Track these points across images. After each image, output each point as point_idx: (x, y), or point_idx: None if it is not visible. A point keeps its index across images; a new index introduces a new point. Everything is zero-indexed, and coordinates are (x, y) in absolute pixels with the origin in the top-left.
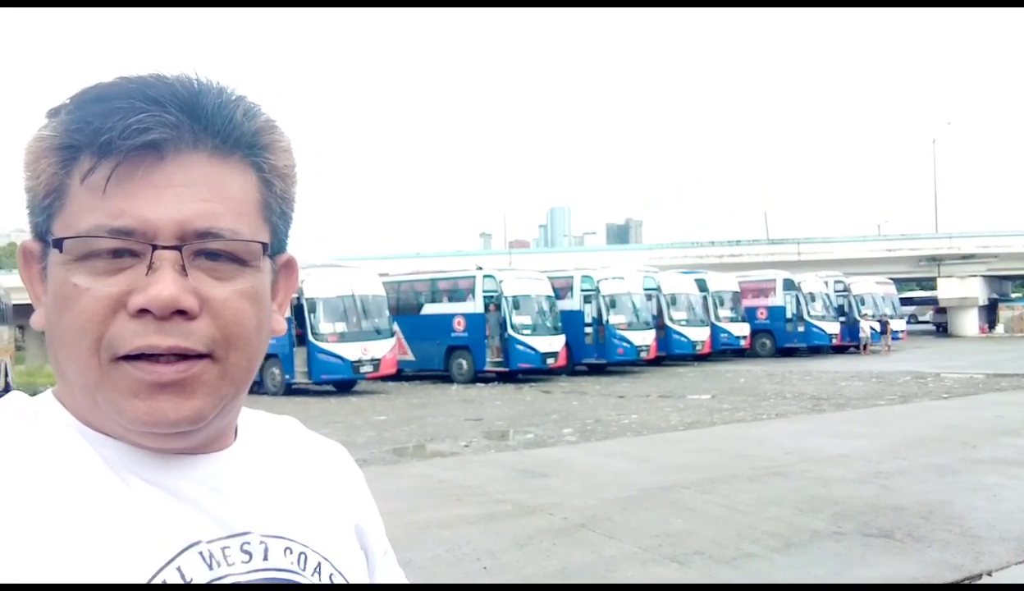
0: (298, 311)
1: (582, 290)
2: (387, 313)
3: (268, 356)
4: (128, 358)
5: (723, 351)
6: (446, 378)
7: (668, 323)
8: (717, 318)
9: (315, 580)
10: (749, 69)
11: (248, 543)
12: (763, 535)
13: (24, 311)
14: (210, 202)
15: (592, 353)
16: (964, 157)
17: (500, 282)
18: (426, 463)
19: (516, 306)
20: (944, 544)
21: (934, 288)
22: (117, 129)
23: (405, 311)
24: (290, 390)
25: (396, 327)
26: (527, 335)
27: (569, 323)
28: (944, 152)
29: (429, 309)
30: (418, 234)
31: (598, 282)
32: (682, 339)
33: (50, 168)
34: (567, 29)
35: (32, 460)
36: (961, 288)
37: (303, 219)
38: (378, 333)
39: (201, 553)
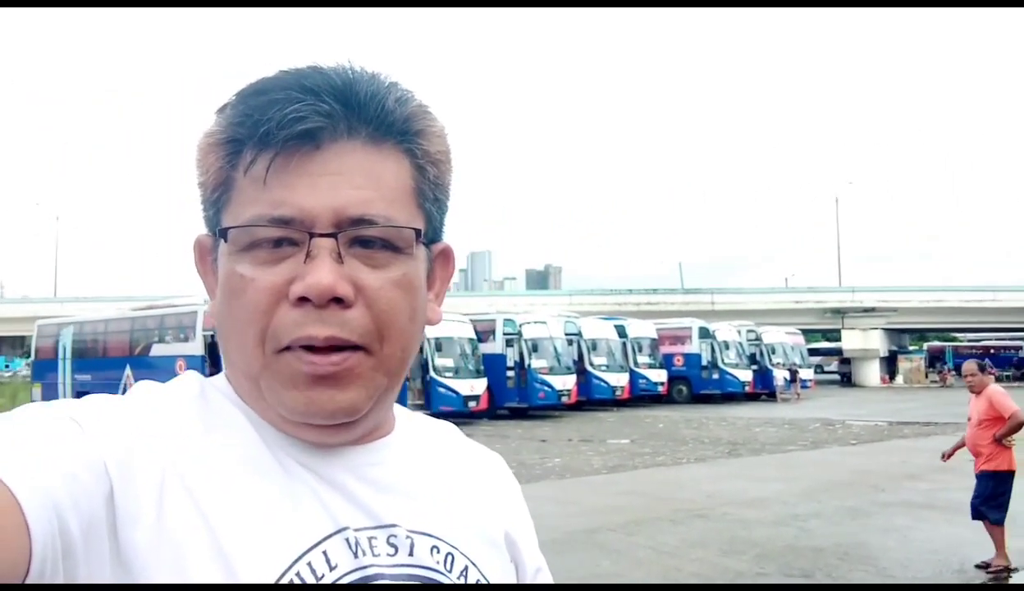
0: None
1: (504, 334)
2: None
3: None
4: (289, 348)
5: (641, 396)
6: None
7: (589, 368)
8: (636, 364)
9: (460, 582)
10: (666, 122)
11: (395, 536)
12: (689, 576)
13: None
14: (364, 189)
15: (514, 397)
16: (864, 215)
17: None
18: None
19: (438, 348)
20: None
21: (839, 339)
22: (275, 120)
23: None
24: None
25: None
26: (449, 378)
27: (491, 366)
28: (846, 210)
29: None
30: None
31: (520, 326)
32: (602, 384)
33: (217, 162)
34: (483, 72)
35: (202, 429)
36: (863, 340)
37: None
38: None
39: (347, 540)
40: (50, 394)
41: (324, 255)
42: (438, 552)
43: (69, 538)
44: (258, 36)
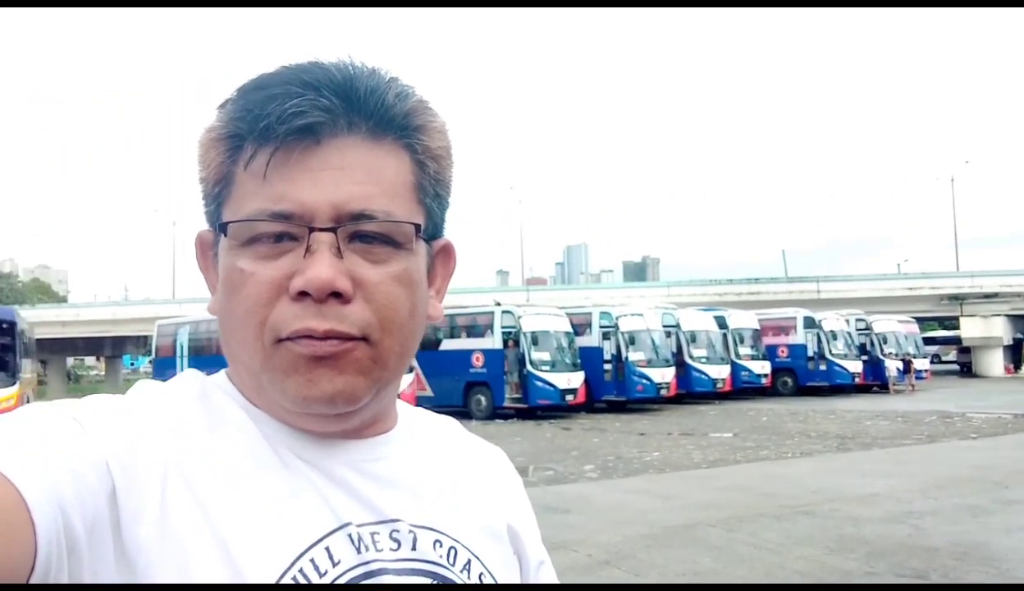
0: None
1: (601, 327)
2: None
3: None
4: (288, 339)
5: (744, 389)
6: (465, 414)
7: (688, 360)
8: (737, 356)
9: (464, 577)
10: (766, 106)
11: (397, 531)
12: (793, 574)
13: (46, 346)
14: (364, 184)
15: (611, 390)
16: (983, 196)
17: (519, 318)
18: None
19: (535, 342)
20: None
21: (957, 327)
22: (275, 114)
23: (423, 346)
24: None
25: (414, 362)
26: (546, 371)
27: (588, 360)
28: (963, 191)
29: (447, 345)
30: None
31: (617, 319)
32: (702, 376)
33: (218, 158)
34: (583, 65)
35: (203, 426)
36: (984, 327)
37: None
38: None
39: (350, 535)
40: None
41: (323, 250)
42: (441, 546)
43: (73, 536)
44: (258, 36)
